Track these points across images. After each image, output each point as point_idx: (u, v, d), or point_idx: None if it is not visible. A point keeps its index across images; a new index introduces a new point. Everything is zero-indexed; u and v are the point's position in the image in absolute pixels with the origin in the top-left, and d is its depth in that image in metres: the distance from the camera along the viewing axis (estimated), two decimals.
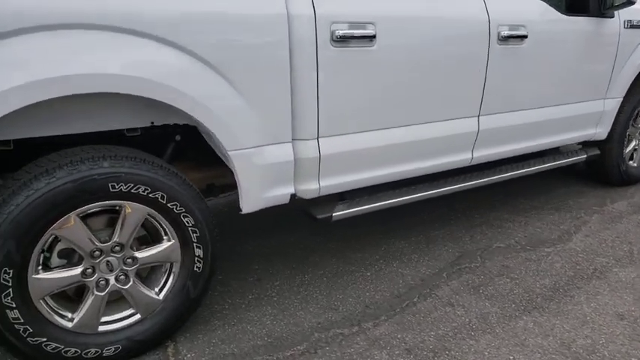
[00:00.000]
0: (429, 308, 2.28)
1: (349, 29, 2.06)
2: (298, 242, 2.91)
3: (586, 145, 3.60)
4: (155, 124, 2.00)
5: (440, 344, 2.03)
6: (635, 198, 3.67)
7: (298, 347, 2.02)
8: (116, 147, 1.83)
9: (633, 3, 3.05)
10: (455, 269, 2.63)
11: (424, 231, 3.06)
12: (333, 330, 2.13)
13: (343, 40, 2.05)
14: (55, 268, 1.77)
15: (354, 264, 2.67)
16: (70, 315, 1.81)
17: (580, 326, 2.15)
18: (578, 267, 2.66)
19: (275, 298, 2.37)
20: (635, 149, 3.87)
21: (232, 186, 2.42)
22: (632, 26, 3.32)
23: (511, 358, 1.95)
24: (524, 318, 2.21)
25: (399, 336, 2.08)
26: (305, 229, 3.06)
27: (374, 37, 2.12)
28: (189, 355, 1.97)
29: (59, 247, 1.77)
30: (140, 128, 2.03)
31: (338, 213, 2.31)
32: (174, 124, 2.07)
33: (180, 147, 2.18)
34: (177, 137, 2.16)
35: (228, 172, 2.30)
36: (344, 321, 2.19)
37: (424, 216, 3.25)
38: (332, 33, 2.03)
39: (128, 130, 2.01)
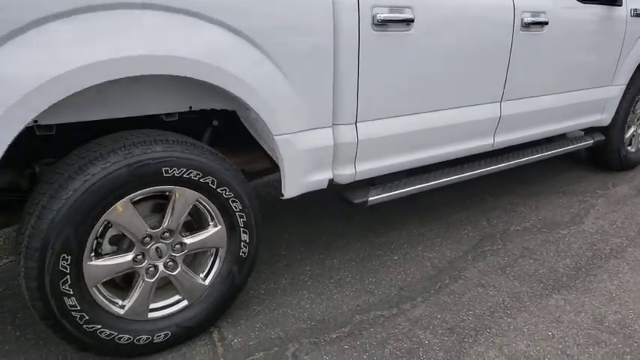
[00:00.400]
0: (461, 289, 2.33)
1: (389, 13, 2.07)
2: (320, 228, 2.92)
3: (589, 131, 3.70)
4: (193, 108, 1.98)
5: (479, 323, 2.08)
6: (634, 182, 3.80)
7: (343, 329, 2.04)
8: (164, 132, 1.80)
9: None
10: (478, 252, 2.69)
11: (441, 216, 3.12)
12: (373, 312, 2.16)
13: (383, 23, 2.06)
14: (105, 255, 1.74)
15: (380, 248, 2.71)
16: (120, 302, 1.79)
17: (608, 303, 2.24)
18: (594, 247, 2.75)
19: (309, 283, 2.38)
20: (633, 135, 4.00)
21: (261, 172, 2.43)
22: (638, 14, 3.42)
23: (550, 334, 2.02)
24: (555, 296, 2.28)
25: (438, 316, 2.13)
26: (323, 215, 3.07)
27: (412, 20, 2.14)
28: (235, 340, 1.97)
29: (110, 233, 1.74)
30: (178, 113, 2.00)
31: (373, 198, 2.34)
32: (211, 109, 2.05)
33: (217, 133, 2.16)
34: (215, 122, 2.14)
35: (258, 159, 2.30)
36: (382, 303, 2.22)
37: (438, 202, 3.31)
38: (373, 17, 2.03)
39: (167, 115, 1.98)
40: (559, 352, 1.91)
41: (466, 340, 1.98)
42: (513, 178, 3.73)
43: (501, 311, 2.17)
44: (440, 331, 2.03)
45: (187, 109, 1.96)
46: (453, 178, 2.67)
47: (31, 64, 1.37)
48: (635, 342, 1.97)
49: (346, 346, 1.94)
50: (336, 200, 2.71)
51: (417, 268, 2.52)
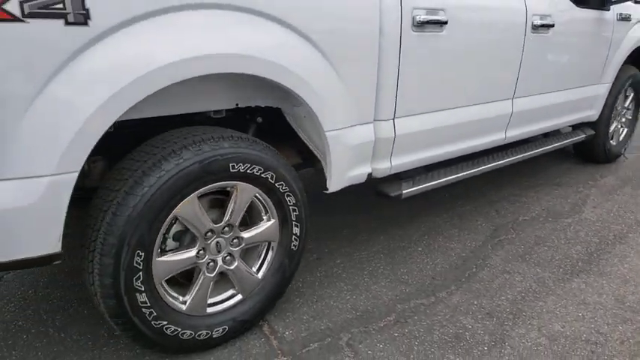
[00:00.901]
0: (489, 276, 2.45)
1: (427, 15, 2.16)
2: (339, 222, 2.98)
3: (578, 126, 3.92)
4: (239, 105, 2.01)
5: (514, 307, 2.20)
6: (618, 173, 4.06)
7: (388, 318, 2.12)
8: (225, 128, 1.82)
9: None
10: (496, 241, 2.82)
11: (452, 208, 3.24)
12: (412, 301, 2.24)
13: (421, 25, 2.15)
14: (169, 251, 1.75)
15: (403, 240, 2.80)
16: (181, 298, 1.80)
17: (624, 284, 2.41)
18: (599, 234, 2.94)
19: (343, 275, 2.44)
20: (615, 130, 4.27)
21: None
22: (622, 19, 3.66)
23: (580, 315, 2.16)
24: (576, 280, 2.44)
25: (475, 302, 2.24)
26: (341, 209, 3.14)
27: (445, 22, 2.23)
28: (287, 333, 2.01)
29: (174, 229, 1.75)
30: (225, 110, 2.02)
31: (407, 190, 2.42)
32: (256, 106, 2.08)
33: (261, 129, 2.19)
34: (259, 119, 2.17)
35: (291, 155, 2.34)
36: (419, 292, 2.31)
37: (445, 196, 3.43)
38: (413, 18, 2.12)
39: (214, 112, 2.00)
40: (593, 331, 2.05)
41: (506, 323, 2.10)
42: (510, 172, 3.90)
43: (531, 295, 2.30)
44: (480, 316, 2.14)
45: (234, 106, 1.99)
46: (472, 171, 2.80)
47: (126, 58, 1.38)
48: (634, 338, 2.15)
49: (396, 334, 2.02)
50: (349, 194, 2.76)
51: (443, 258, 2.62)
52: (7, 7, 1.21)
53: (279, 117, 2.16)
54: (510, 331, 2.05)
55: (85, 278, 1.61)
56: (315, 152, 2.17)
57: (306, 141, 2.17)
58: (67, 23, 1.30)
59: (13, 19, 1.22)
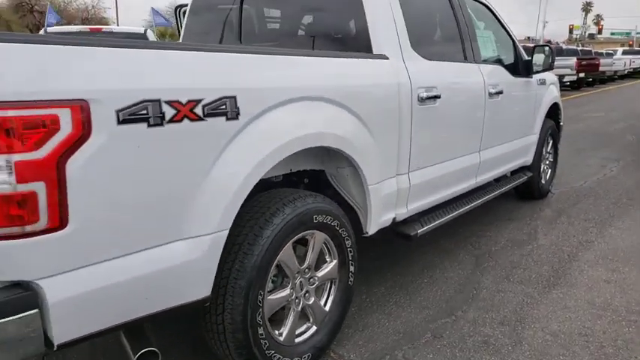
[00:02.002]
0: (488, 296, 3.02)
1: (426, 92, 2.80)
2: None
3: (518, 170, 4.73)
4: (292, 170, 2.47)
5: (517, 316, 2.77)
6: (552, 206, 4.91)
7: (426, 335, 2.59)
8: (303, 190, 2.28)
9: (546, 70, 4.31)
10: (481, 268, 3.42)
11: (437, 246, 3.81)
12: (439, 320, 2.74)
13: (423, 100, 2.78)
14: (270, 291, 2.12)
15: (409, 275, 3.30)
16: (277, 331, 2.16)
17: (590, 290, 3.07)
18: (557, 255, 3.64)
19: (374, 307, 2.89)
20: (543, 171, 5.17)
21: None
22: (541, 83, 4.61)
23: (567, 316, 2.77)
24: (554, 291, 3.07)
25: (486, 315, 2.78)
26: None
27: (439, 96, 2.88)
28: (352, 356, 2.41)
29: (272, 272, 2.14)
30: (282, 174, 2.48)
31: (421, 230, 2.96)
32: (304, 170, 2.55)
33: (307, 188, 2.65)
34: (306, 180, 2.64)
35: None
36: (440, 313, 2.81)
37: (426, 235, 3.99)
38: (418, 95, 2.74)
39: (275, 176, 2.45)
40: (581, 327, 2.66)
41: (517, 328, 2.65)
42: (470, 214, 4.57)
43: (526, 306, 2.88)
44: (495, 325, 2.67)
45: (288, 171, 2.45)
46: (459, 211, 3.40)
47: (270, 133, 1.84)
48: (621, 314, 2.80)
49: (438, 346, 2.49)
50: None
51: (446, 285, 3.16)
52: (196, 110, 1.63)
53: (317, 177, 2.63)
54: (522, 333, 2.60)
55: (209, 318, 1.94)
56: (352, 203, 2.65)
57: (344, 195, 2.66)
58: (227, 119, 1.74)
59: (199, 118, 1.64)
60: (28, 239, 1.34)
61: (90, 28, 7.68)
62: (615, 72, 26.45)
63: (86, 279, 1.45)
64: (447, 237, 3.98)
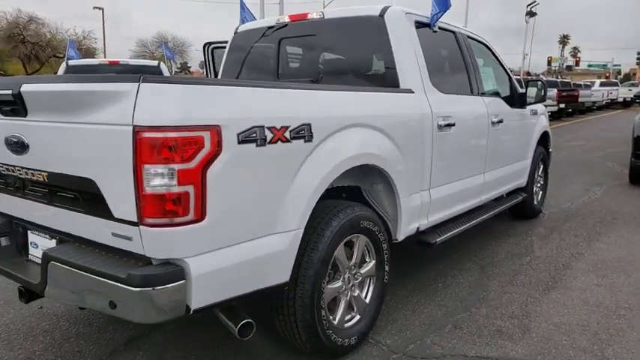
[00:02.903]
0: (497, 296, 3.49)
1: (443, 120, 3.33)
2: None
3: (513, 192, 5.27)
4: (332, 186, 2.96)
5: (524, 311, 3.25)
6: (544, 224, 5.45)
7: (449, 326, 3.05)
8: (348, 201, 2.76)
9: (538, 102, 4.91)
10: (487, 275, 3.91)
11: (446, 257, 4.30)
12: (457, 315, 3.20)
13: (441, 127, 3.31)
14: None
15: (425, 281, 3.77)
16: (331, 316, 2.61)
17: (583, 292, 3.57)
18: (553, 265, 4.15)
19: (400, 306, 3.34)
20: (535, 193, 5.72)
21: None
22: (533, 113, 5.21)
23: (566, 311, 3.25)
24: (553, 293, 3.56)
25: (497, 311, 3.25)
26: None
27: (454, 124, 3.42)
28: (388, 342, 2.86)
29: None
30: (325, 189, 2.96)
31: (439, 239, 3.45)
32: (342, 186, 3.04)
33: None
34: (344, 195, 3.12)
35: None
36: (457, 310, 3.28)
37: (438, 248, 4.49)
38: (437, 123, 3.27)
39: None
40: (578, 320, 3.15)
41: (524, 320, 3.12)
42: (472, 230, 5.08)
43: (530, 304, 3.37)
44: (505, 318, 3.15)
45: (330, 187, 2.93)
46: (468, 225, 3.90)
47: (333, 153, 2.33)
48: (611, 310, 3.30)
49: (460, 334, 2.95)
50: None
51: (459, 288, 3.64)
52: (286, 134, 2.12)
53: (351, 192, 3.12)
54: (529, 324, 3.08)
55: (284, 302, 2.38)
56: (382, 214, 3.13)
57: (376, 207, 3.13)
58: (305, 141, 2.23)
59: (287, 140, 2.14)
60: (179, 228, 1.80)
61: (108, 61, 8.19)
62: (594, 103, 27.64)
63: (216, 260, 1.92)
64: (455, 249, 4.46)
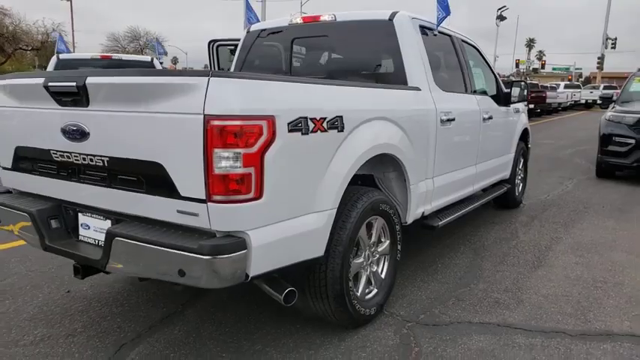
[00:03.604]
0: (491, 274, 3.86)
1: (445, 116, 3.67)
2: None
3: (498, 184, 5.67)
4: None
5: (516, 286, 3.62)
6: (525, 213, 5.87)
7: (452, 300, 3.39)
8: (368, 187, 3.06)
9: (521, 101, 5.32)
10: (480, 256, 4.28)
11: (440, 242, 4.65)
12: (458, 290, 3.55)
13: (443, 122, 3.64)
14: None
15: (424, 262, 4.10)
16: (354, 288, 2.90)
17: (565, 269, 3.97)
18: (536, 248, 4.55)
19: (406, 283, 3.66)
20: (517, 184, 6.15)
21: None
22: (516, 111, 5.63)
23: (552, 285, 3.63)
24: (539, 271, 3.94)
25: (493, 286, 3.61)
26: None
27: (454, 119, 3.76)
28: (402, 313, 3.18)
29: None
30: None
31: (440, 222, 3.78)
32: (356, 174, 3.33)
33: None
34: (359, 182, 3.41)
35: None
36: (458, 286, 3.62)
37: (431, 235, 4.84)
38: (440, 118, 3.60)
39: None
40: (562, 291, 3.53)
41: (517, 293, 3.49)
42: (462, 218, 5.47)
43: (520, 280, 3.74)
44: (501, 292, 3.51)
45: None
46: (464, 210, 4.25)
47: (359, 143, 2.63)
48: (589, 283, 3.70)
49: (463, 305, 3.29)
50: None
51: (457, 268, 3.99)
52: (324, 124, 2.40)
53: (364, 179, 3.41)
54: (521, 296, 3.44)
55: (317, 274, 2.65)
56: (393, 200, 3.44)
57: (387, 193, 3.45)
58: (338, 131, 2.52)
59: (324, 130, 2.42)
60: (242, 204, 2.06)
61: (100, 56, 8.27)
62: (559, 104, 28.73)
63: (270, 233, 2.19)
64: (447, 235, 4.83)
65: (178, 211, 2.14)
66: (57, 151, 2.52)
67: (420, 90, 3.46)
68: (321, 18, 3.89)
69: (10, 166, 2.82)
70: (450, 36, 4.31)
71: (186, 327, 2.99)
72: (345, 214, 2.70)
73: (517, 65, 61.66)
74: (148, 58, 8.58)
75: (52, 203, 2.68)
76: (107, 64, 8.00)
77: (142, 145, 2.19)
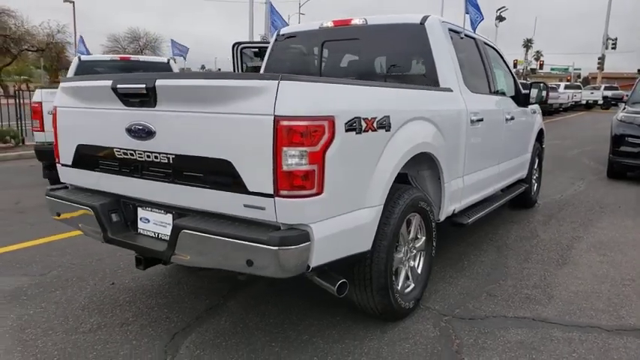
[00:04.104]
0: (517, 271, 3.98)
1: (474, 116, 3.80)
2: None
3: (515, 184, 5.80)
4: None
5: (544, 282, 3.74)
6: (541, 212, 6.00)
7: (485, 295, 3.51)
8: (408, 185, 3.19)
9: (540, 103, 5.45)
10: (504, 254, 4.41)
11: (464, 240, 4.78)
12: (488, 286, 3.67)
13: (473, 122, 3.77)
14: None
15: (451, 260, 4.23)
16: (395, 282, 3.03)
17: (590, 267, 4.10)
18: (558, 246, 4.67)
19: (436, 280, 3.78)
20: (533, 184, 6.28)
21: None
22: (533, 112, 5.76)
23: (580, 282, 3.76)
24: (565, 268, 4.07)
25: (522, 282, 3.73)
26: None
27: (482, 120, 3.89)
28: (437, 307, 3.30)
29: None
30: None
31: (470, 219, 3.92)
32: None
33: None
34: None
35: None
36: (487, 282, 3.75)
37: (454, 233, 4.96)
38: (470, 118, 3.73)
39: None
40: (591, 288, 3.66)
41: (547, 289, 3.62)
42: (481, 218, 5.59)
43: (548, 277, 3.87)
44: (530, 288, 3.64)
45: None
46: (490, 208, 4.39)
47: (403, 141, 2.76)
48: (617, 281, 3.83)
49: (495, 300, 3.42)
50: None
51: (483, 265, 4.11)
52: (374, 124, 2.54)
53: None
54: (552, 292, 3.57)
55: (363, 268, 2.78)
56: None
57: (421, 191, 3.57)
58: (386, 130, 2.65)
59: (374, 129, 2.55)
60: (306, 199, 2.19)
61: (120, 57, 8.41)
62: (560, 104, 28.89)
63: (329, 226, 2.31)
64: (469, 234, 4.95)
65: (245, 205, 2.27)
66: (120, 148, 2.65)
67: (452, 91, 3.59)
68: (352, 22, 4.02)
69: (70, 163, 2.94)
70: (474, 39, 4.44)
71: (232, 318, 3.12)
72: (389, 210, 2.83)
73: (515, 66, 61.73)
74: (164, 59, 8.71)
75: (111, 198, 2.81)
76: (126, 66, 8.14)
77: (210, 143, 2.32)
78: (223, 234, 2.25)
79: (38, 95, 6.12)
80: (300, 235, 2.19)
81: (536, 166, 6.38)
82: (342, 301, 3.16)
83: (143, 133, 2.51)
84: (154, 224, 2.69)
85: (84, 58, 8.13)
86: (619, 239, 4.91)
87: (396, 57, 3.94)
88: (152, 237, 2.70)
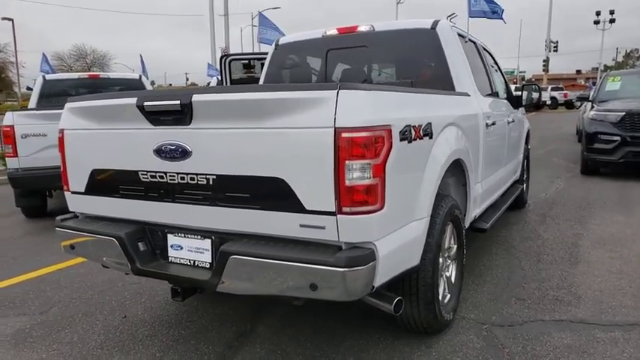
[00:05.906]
0: (535, 273, 3.97)
1: (489, 119, 3.78)
2: None
3: (511, 185, 5.86)
4: None
5: (565, 283, 3.74)
6: (535, 212, 6.08)
7: (513, 299, 3.47)
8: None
9: (533, 105, 5.53)
10: (515, 256, 4.40)
11: (472, 245, 4.74)
12: (514, 290, 3.63)
13: (488, 125, 3.75)
14: None
15: (466, 266, 4.18)
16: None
17: (601, 264, 4.14)
18: (563, 245, 4.72)
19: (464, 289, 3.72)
20: (524, 184, 6.36)
21: None
22: (523, 114, 5.84)
23: (594, 279, 3.78)
24: (578, 266, 4.09)
25: (544, 284, 3.72)
26: None
27: (494, 124, 3.88)
28: (472, 316, 3.23)
29: None
30: None
31: (488, 224, 3.87)
32: None
33: None
34: None
35: None
36: (511, 286, 3.71)
37: None
38: (485, 122, 3.71)
39: None
40: (612, 285, 3.68)
41: (571, 289, 3.61)
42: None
43: (566, 277, 3.87)
44: (555, 289, 3.62)
45: None
46: (500, 211, 4.37)
47: (443, 148, 2.68)
48: (634, 276, 3.87)
49: (526, 304, 3.38)
50: None
51: (500, 269, 4.08)
52: (420, 132, 2.44)
53: None
54: (577, 292, 3.57)
55: (411, 282, 2.66)
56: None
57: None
58: (429, 138, 2.56)
59: (421, 137, 2.45)
60: (369, 215, 2.06)
61: (88, 75, 8.02)
62: None
63: (390, 242, 2.19)
64: (474, 239, 4.92)
65: (302, 225, 2.11)
66: (147, 171, 2.44)
67: (469, 95, 3.56)
68: (358, 29, 3.94)
69: (82, 190, 2.70)
70: (474, 42, 4.44)
71: (266, 344, 2.93)
72: (432, 220, 2.74)
73: None
74: (136, 76, 8.36)
75: (135, 225, 2.59)
76: (95, 83, 7.77)
77: (259, 161, 2.15)
78: (282, 257, 2.09)
79: (9, 118, 5.70)
80: (366, 255, 2.06)
81: (525, 167, 6.47)
82: (373, 317, 3.06)
83: (176, 153, 2.32)
84: (189, 251, 2.48)
85: (49, 77, 7.69)
86: (617, 235, 5.00)
87: (407, 63, 3.88)
88: (187, 265, 2.49)
